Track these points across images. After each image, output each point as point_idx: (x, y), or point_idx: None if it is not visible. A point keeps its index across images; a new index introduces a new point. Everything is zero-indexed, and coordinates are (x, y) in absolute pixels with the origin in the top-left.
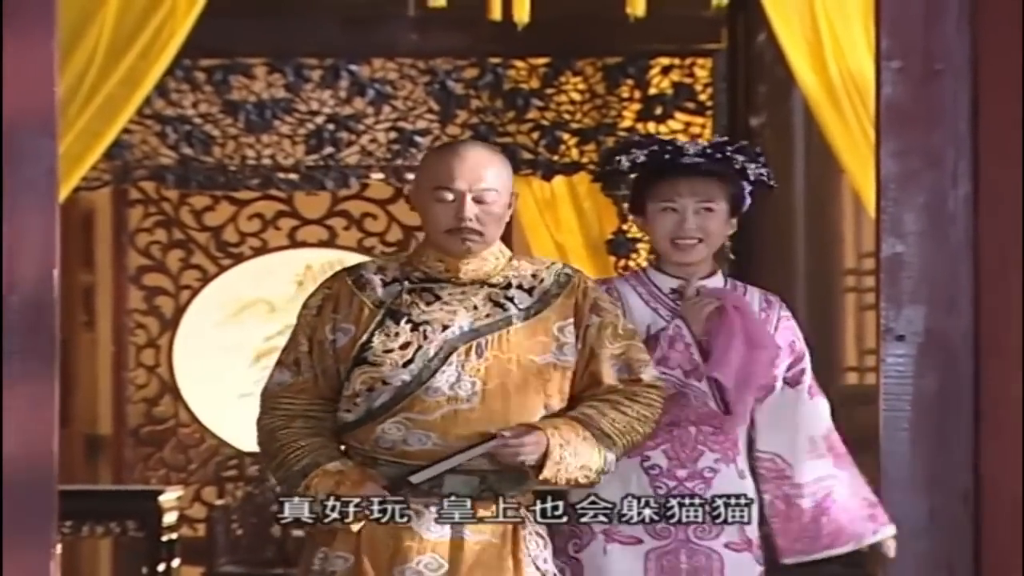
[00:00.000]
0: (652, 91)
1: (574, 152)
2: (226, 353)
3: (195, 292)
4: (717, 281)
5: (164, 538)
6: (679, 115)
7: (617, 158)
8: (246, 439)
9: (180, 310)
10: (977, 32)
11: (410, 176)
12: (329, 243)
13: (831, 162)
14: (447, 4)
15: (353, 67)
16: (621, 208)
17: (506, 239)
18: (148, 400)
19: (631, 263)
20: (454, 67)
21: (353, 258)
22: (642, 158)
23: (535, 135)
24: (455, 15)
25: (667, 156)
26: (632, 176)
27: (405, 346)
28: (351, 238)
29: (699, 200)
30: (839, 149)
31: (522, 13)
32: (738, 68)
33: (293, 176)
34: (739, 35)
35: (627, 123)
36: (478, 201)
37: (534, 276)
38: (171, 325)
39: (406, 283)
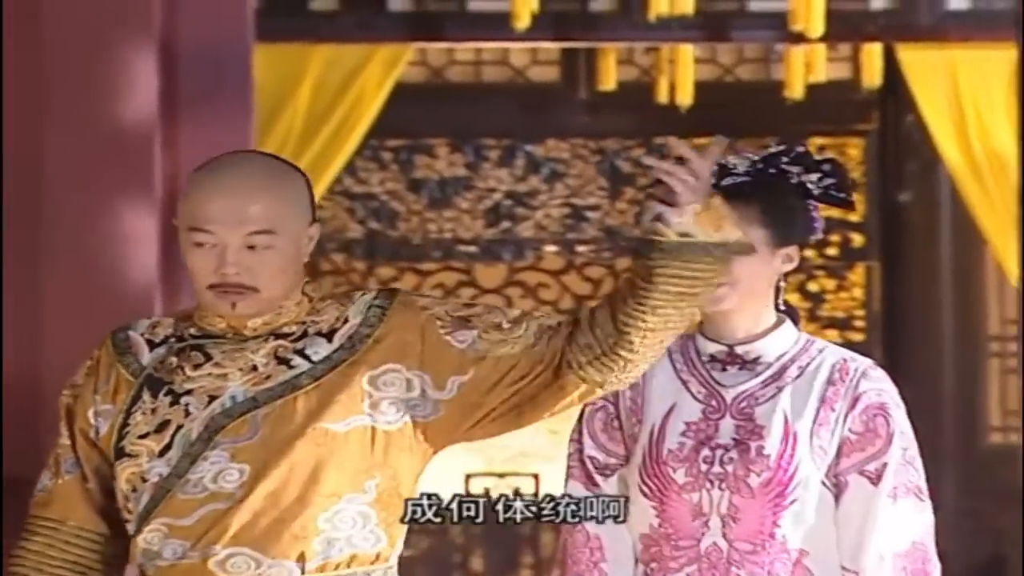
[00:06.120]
0: None
1: None
2: None
3: None
4: (785, 337)
5: None
6: None
7: None
8: None
9: None
10: None
11: (581, 249)
12: None
13: (975, 234)
14: (617, 88)
15: (528, 147)
16: None
17: None
18: None
19: None
20: (622, 147)
21: None
22: None
23: None
24: (624, 98)
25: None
26: None
27: (162, 427)
28: (526, 307)
29: None
30: (983, 222)
31: (686, 96)
32: (888, 147)
33: (473, 249)
34: (889, 116)
35: None
36: (248, 247)
37: (338, 317)
38: None
39: (173, 341)
